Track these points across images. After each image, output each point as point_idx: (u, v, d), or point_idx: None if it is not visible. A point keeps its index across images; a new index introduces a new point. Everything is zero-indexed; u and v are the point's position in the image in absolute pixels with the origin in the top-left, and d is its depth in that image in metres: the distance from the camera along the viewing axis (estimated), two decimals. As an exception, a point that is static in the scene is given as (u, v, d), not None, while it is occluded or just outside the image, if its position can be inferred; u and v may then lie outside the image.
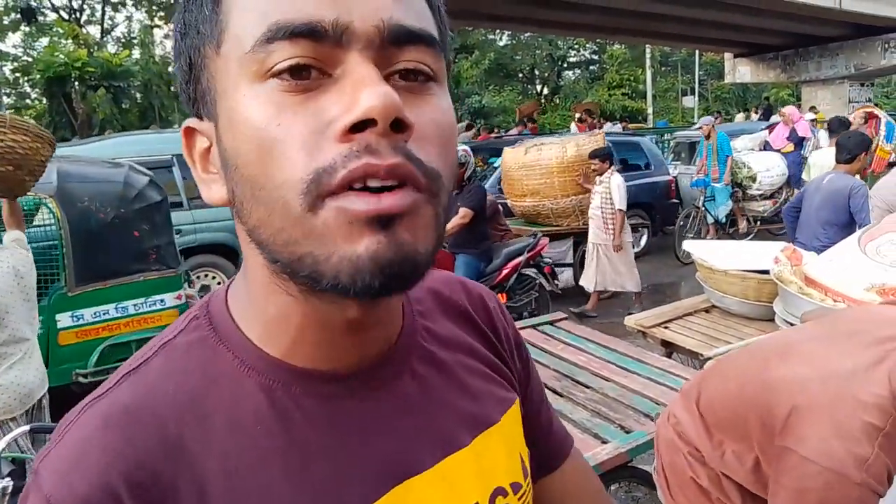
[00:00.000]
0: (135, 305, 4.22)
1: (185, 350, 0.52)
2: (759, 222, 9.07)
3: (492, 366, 0.65)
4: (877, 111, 9.70)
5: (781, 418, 1.27)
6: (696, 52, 28.53)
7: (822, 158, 6.67)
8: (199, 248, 6.39)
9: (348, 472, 0.50)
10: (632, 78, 29.51)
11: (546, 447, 0.74)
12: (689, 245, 4.10)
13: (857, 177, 4.45)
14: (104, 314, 4.14)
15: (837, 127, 7.43)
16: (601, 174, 6.14)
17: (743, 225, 8.88)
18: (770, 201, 9.03)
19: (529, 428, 0.68)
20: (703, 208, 8.27)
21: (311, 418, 0.50)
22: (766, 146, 9.69)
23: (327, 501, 0.49)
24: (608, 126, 17.48)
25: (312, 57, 0.43)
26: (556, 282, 6.00)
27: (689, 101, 29.88)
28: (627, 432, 2.37)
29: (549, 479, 0.74)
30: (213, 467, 0.47)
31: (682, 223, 8.20)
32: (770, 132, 10.06)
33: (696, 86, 30.35)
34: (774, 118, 13.97)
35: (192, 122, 0.50)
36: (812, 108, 17.38)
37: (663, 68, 32.95)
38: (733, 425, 1.47)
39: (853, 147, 4.35)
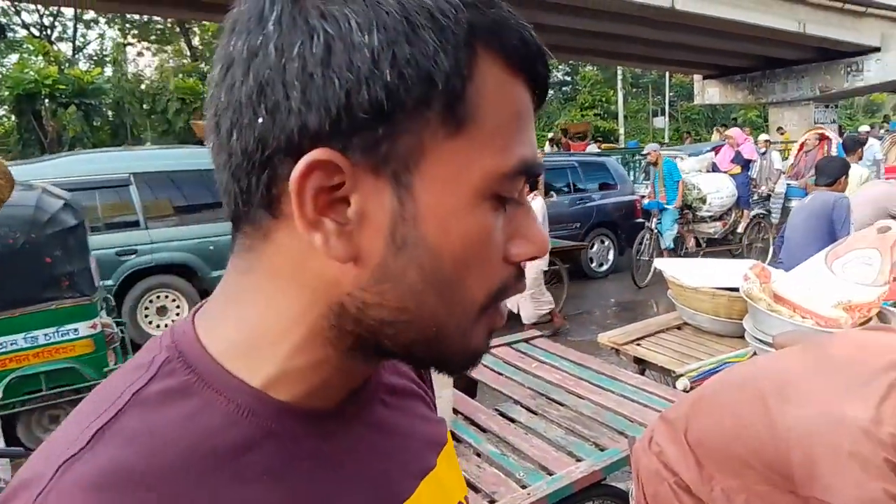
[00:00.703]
0: (45, 335, 3.99)
1: (163, 399, 0.45)
2: (705, 244, 9.15)
3: (421, 388, 0.67)
4: (828, 133, 9.93)
5: (799, 467, 1.27)
6: (667, 73, 29.06)
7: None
8: (156, 269, 6.28)
9: None
10: (604, 99, 29.93)
11: None
12: (660, 263, 4.15)
13: None
14: (11, 344, 3.90)
15: (852, 145, 7.56)
16: None
17: (691, 243, 8.94)
18: (720, 223, 9.09)
19: None
20: (657, 231, 8.28)
21: (315, 459, 0.49)
22: (713, 168, 9.81)
23: None
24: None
25: None
26: None
27: (660, 122, 30.41)
28: (602, 450, 2.38)
29: None
30: None
31: (637, 247, 8.13)
32: (716, 154, 10.18)
33: (667, 107, 30.88)
34: (715, 139, 14.20)
35: (330, 155, 0.41)
36: (779, 129, 17.78)
37: (634, 90, 33.47)
38: (728, 464, 1.46)
39: (833, 171, 4.51)
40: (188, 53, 25.57)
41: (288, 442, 0.48)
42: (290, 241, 0.44)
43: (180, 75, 20.90)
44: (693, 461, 1.55)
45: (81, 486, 0.40)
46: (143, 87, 20.12)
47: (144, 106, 18.87)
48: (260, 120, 0.42)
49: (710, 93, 21.70)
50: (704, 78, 21.60)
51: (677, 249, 8.54)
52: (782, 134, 17.02)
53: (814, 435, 1.28)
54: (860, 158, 7.47)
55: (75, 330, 4.09)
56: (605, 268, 8.95)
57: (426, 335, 0.47)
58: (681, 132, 26.92)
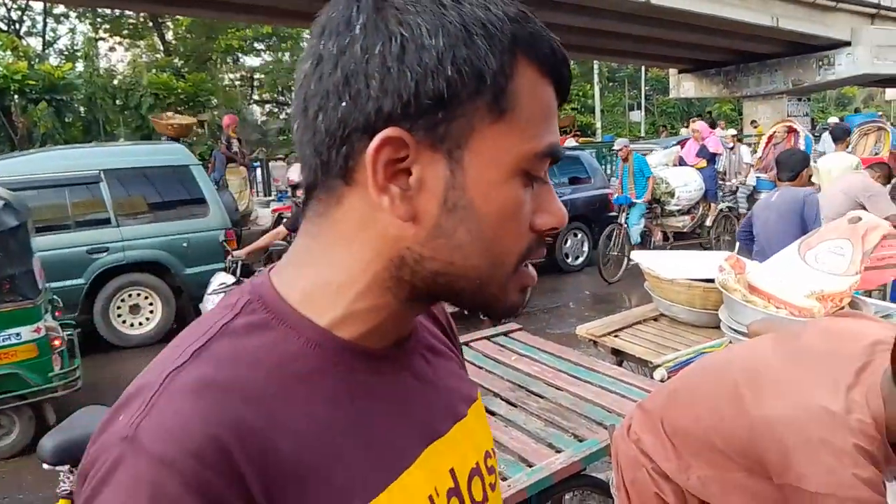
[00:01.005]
0: None
1: (247, 331, 0.56)
2: (673, 237, 9.22)
3: (452, 350, 0.77)
4: (796, 125, 10.04)
5: (773, 455, 1.30)
6: (643, 67, 29.23)
7: (828, 163, 6.38)
8: (128, 267, 6.21)
9: (398, 435, 0.60)
10: (580, 93, 29.99)
11: None
12: (636, 255, 4.18)
13: None
14: None
15: (841, 134, 7.59)
16: None
17: (658, 237, 8.99)
18: (688, 216, 9.19)
19: None
20: (625, 225, 8.28)
21: (369, 391, 0.59)
22: (681, 161, 9.86)
23: (389, 458, 0.59)
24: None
25: None
26: None
27: (636, 116, 30.54)
28: (581, 441, 2.39)
29: None
30: (301, 431, 0.54)
31: (605, 243, 8.08)
32: (682, 147, 10.22)
33: (643, 101, 31.04)
34: (685, 133, 14.28)
35: (400, 133, 0.52)
36: (753, 123, 17.97)
37: (611, 84, 33.61)
38: (704, 453, 1.48)
39: (794, 164, 4.43)
40: (161, 48, 25.20)
41: (348, 373, 0.58)
42: (359, 205, 0.55)
43: (153, 70, 20.60)
44: (670, 450, 1.57)
45: (184, 391, 0.51)
46: (115, 82, 19.74)
47: (117, 101, 18.57)
48: (343, 104, 0.52)
49: (685, 87, 21.88)
50: (680, 72, 21.77)
51: (645, 244, 8.60)
52: (756, 127, 17.19)
53: (787, 424, 1.30)
54: (847, 146, 7.56)
55: (17, 335, 4.00)
56: (580, 261, 9.00)
57: (471, 286, 0.57)
58: (657, 126, 27.14)
